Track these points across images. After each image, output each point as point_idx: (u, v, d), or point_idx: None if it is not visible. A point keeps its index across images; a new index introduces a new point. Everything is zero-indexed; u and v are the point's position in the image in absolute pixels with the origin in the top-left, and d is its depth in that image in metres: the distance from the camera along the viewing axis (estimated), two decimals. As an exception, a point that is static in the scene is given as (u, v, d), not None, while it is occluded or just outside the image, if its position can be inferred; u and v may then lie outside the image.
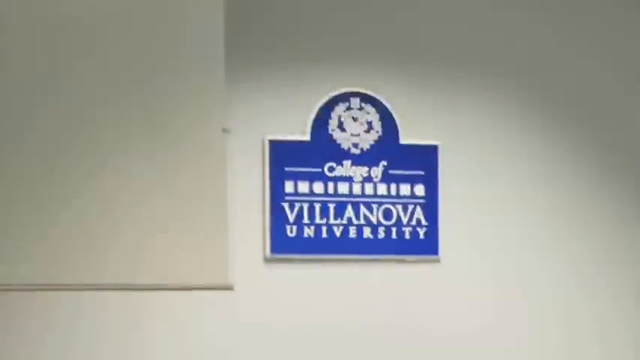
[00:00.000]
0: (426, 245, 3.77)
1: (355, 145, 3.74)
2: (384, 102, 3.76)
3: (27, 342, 3.66)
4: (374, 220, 3.73)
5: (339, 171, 3.71)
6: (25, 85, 3.00)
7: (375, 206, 3.74)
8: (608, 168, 4.06)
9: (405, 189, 3.77)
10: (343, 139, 3.72)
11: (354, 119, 3.74)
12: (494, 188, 3.91)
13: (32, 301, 3.65)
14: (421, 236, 3.75)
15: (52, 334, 3.68)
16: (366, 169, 3.75)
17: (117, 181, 3.11)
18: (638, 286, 4.07)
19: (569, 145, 4.04)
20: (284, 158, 3.69)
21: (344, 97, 3.74)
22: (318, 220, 3.70)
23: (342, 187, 3.72)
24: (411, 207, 3.76)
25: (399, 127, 3.77)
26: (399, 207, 3.76)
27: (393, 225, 3.73)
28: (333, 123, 3.72)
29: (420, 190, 3.77)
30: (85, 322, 3.71)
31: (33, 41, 3.01)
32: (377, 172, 3.75)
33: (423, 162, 3.80)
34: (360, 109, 3.75)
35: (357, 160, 3.75)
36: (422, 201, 3.76)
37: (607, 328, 3.95)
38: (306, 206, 3.68)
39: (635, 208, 4.15)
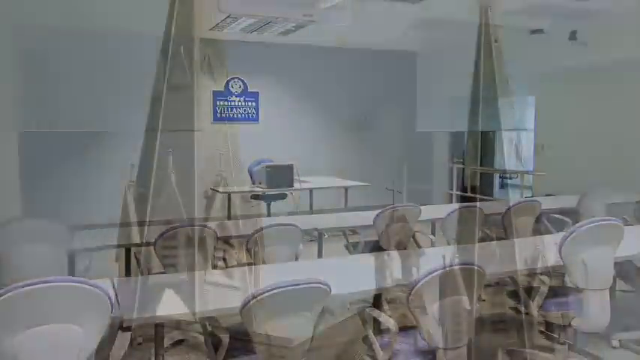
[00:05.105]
0: (254, 118, 11.65)
1: (237, 91, 11.58)
2: (245, 80, 11.60)
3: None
4: (243, 110, 11.57)
5: (232, 99, 11.50)
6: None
7: (243, 106, 11.56)
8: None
9: (250, 103, 11.62)
10: (234, 90, 11.53)
11: (238, 85, 11.53)
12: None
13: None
14: (254, 116, 11.67)
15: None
16: (242, 98, 11.54)
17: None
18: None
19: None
20: (218, 96, 11.40)
21: (234, 78, 11.49)
22: (227, 112, 11.49)
23: (233, 104, 11.49)
24: (251, 105, 11.63)
25: (248, 86, 11.67)
26: (250, 105, 11.66)
27: (248, 112, 11.61)
28: (230, 85, 11.49)
29: (255, 103, 11.64)
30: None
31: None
32: (243, 99, 11.56)
33: (255, 96, 11.71)
34: (240, 81, 11.63)
35: (238, 95, 11.51)
36: (255, 105, 11.63)
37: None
38: (225, 106, 11.49)
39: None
